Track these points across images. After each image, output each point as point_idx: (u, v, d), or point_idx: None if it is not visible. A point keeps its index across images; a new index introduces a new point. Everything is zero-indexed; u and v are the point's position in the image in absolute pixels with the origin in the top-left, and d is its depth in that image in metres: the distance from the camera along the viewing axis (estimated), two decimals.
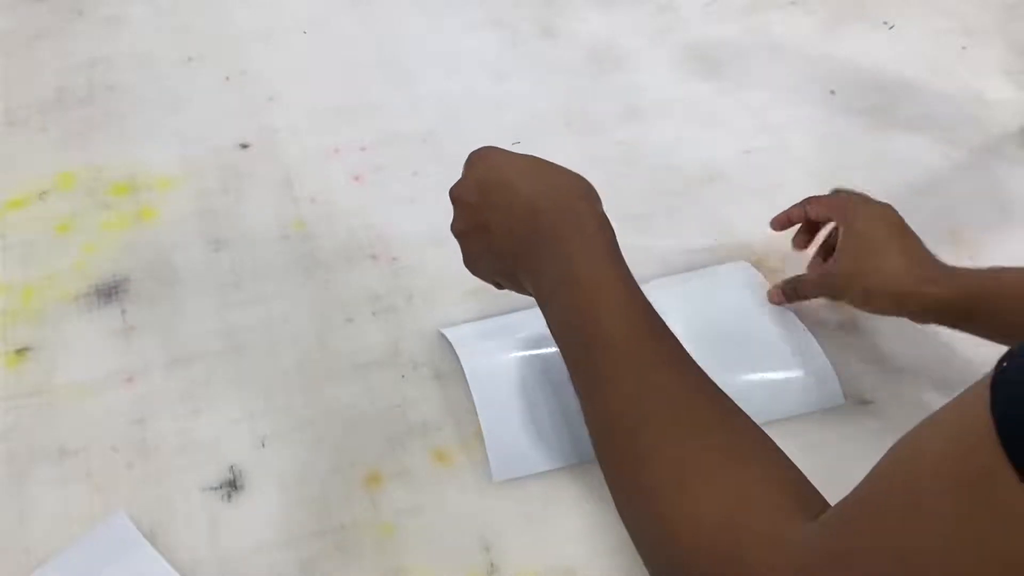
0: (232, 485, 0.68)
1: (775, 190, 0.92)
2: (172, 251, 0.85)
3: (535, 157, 0.59)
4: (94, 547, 0.64)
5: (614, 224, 0.90)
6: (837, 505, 0.40)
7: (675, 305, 0.79)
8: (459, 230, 0.62)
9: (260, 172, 0.92)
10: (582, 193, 0.57)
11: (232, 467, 0.69)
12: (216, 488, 0.68)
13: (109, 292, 0.81)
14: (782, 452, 0.46)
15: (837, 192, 0.77)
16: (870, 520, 0.38)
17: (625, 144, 0.97)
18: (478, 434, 0.71)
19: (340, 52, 1.07)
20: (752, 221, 0.88)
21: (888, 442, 0.39)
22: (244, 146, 0.95)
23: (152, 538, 0.64)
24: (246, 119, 0.98)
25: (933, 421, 0.37)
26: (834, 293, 0.74)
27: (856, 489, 0.39)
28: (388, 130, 0.97)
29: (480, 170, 0.60)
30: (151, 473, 0.69)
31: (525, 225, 0.56)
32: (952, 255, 0.85)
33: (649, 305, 0.52)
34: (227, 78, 1.03)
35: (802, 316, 0.78)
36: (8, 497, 0.67)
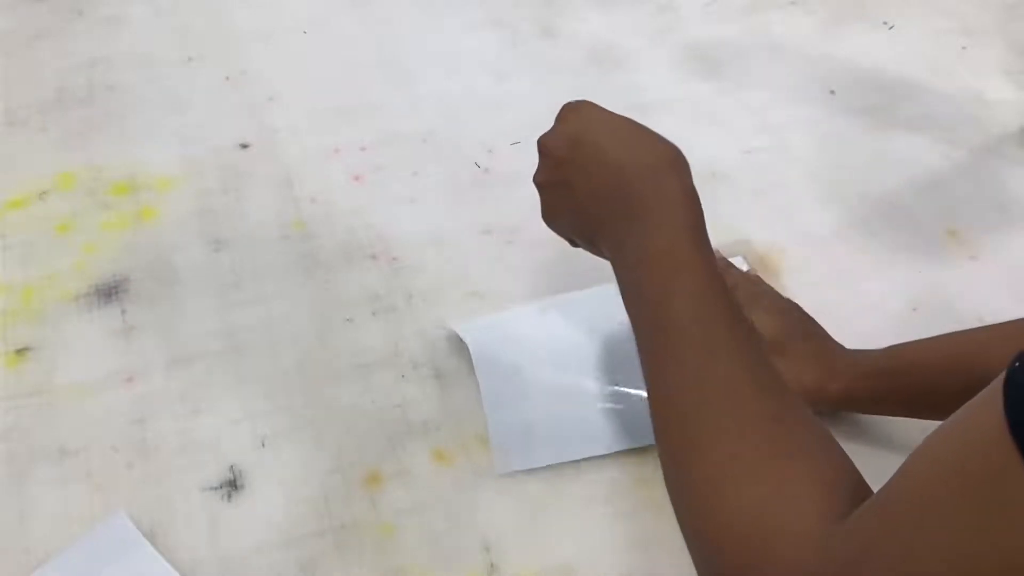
0: (232, 485, 0.68)
1: (775, 190, 0.92)
2: (172, 251, 0.85)
3: (629, 119, 0.57)
4: (94, 547, 0.64)
5: None
6: (862, 507, 0.40)
7: None
8: (541, 181, 0.61)
9: (260, 172, 0.92)
10: (672, 164, 0.55)
11: (232, 467, 0.69)
12: (216, 488, 0.68)
13: (109, 292, 0.81)
14: (837, 447, 0.45)
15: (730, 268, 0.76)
16: (888, 523, 0.38)
17: None
18: (478, 434, 0.71)
19: (340, 52, 1.07)
20: (752, 221, 0.88)
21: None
22: (244, 146, 0.95)
23: (152, 538, 0.64)
24: (246, 119, 0.98)
25: (950, 423, 0.37)
26: None
27: (879, 492, 0.40)
28: (388, 130, 0.97)
29: (572, 125, 0.58)
30: (151, 473, 0.69)
31: (611, 191, 0.54)
32: (952, 255, 0.86)
33: (724, 289, 0.50)
34: (227, 78, 1.03)
35: None
36: (8, 497, 0.67)
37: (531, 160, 0.94)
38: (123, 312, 0.79)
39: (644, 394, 0.70)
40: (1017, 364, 0.34)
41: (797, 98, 1.03)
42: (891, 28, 1.13)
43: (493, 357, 0.74)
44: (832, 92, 1.04)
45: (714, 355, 0.47)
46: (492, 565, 0.65)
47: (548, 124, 0.99)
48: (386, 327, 0.79)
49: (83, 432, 0.71)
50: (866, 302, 0.81)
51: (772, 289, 0.75)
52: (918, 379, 0.64)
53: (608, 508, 0.68)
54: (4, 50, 1.06)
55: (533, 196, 0.90)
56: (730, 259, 0.84)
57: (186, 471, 0.69)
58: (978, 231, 0.88)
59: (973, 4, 1.16)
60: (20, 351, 0.76)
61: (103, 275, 0.82)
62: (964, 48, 1.10)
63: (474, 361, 0.73)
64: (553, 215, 0.62)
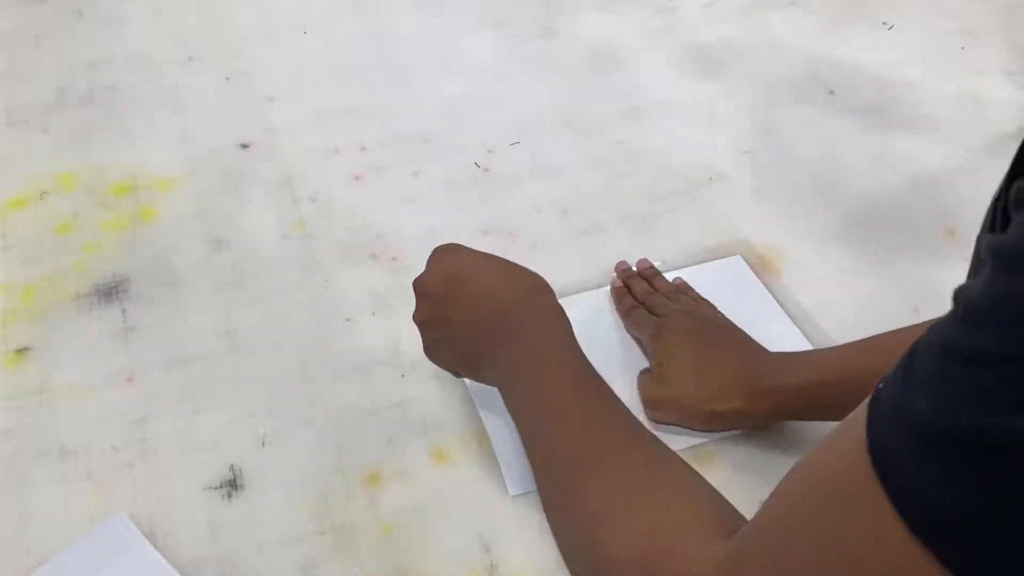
0: (232, 485, 0.68)
1: (775, 190, 0.92)
2: (172, 251, 0.85)
3: (495, 256, 0.64)
4: (94, 547, 0.64)
5: (614, 224, 0.91)
6: (743, 528, 0.42)
7: None
8: (422, 320, 0.65)
9: (260, 172, 0.93)
10: (539, 288, 0.62)
11: (232, 467, 0.69)
12: (216, 488, 0.68)
13: (109, 292, 0.81)
14: (705, 483, 0.49)
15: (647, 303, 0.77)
16: (765, 539, 0.40)
17: (625, 144, 0.97)
18: (478, 434, 0.71)
19: (340, 52, 1.07)
20: (752, 221, 0.88)
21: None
22: (244, 146, 0.95)
23: (152, 538, 0.64)
24: (246, 119, 0.98)
25: (826, 440, 0.38)
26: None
27: (760, 509, 0.41)
28: (388, 130, 0.98)
29: (445, 265, 0.64)
30: (151, 473, 0.69)
31: (489, 318, 0.60)
32: (952, 255, 0.86)
33: (594, 374, 0.57)
34: (227, 78, 1.03)
35: (787, 309, 0.80)
36: (8, 497, 0.67)
37: (531, 160, 0.95)
38: (123, 312, 0.79)
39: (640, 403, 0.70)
40: (880, 386, 0.35)
41: (797, 98, 1.03)
42: (891, 28, 1.13)
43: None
44: (832, 92, 1.04)
45: (587, 423, 0.53)
46: (492, 565, 0.65)
47: (548, 124, 0.99)
48: (386, 327, 0.79)
49: (83, 432, 0.71)
50: (866, 302, 0.81)
51: (689, 318, 0.74)
52: (850, 387, 0.63)
53: None
54: (4, 50, 1.07)
55: (532, 196, 0.91)
56: (724, 259, 0.84)
57: (186, 471, 0.69)
58: (978, 231, 0.88)
59: (973, 4, 1.16)
60: (20, 351, 0.77)
61: (103, 275, 0.82)
62: (964, 48, 1.10)
63: (469, 387, 0.73)
64: (436, 350, 0.66)
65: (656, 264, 0.84)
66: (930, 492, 0.31)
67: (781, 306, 0.80)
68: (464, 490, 0.68)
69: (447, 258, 0.64)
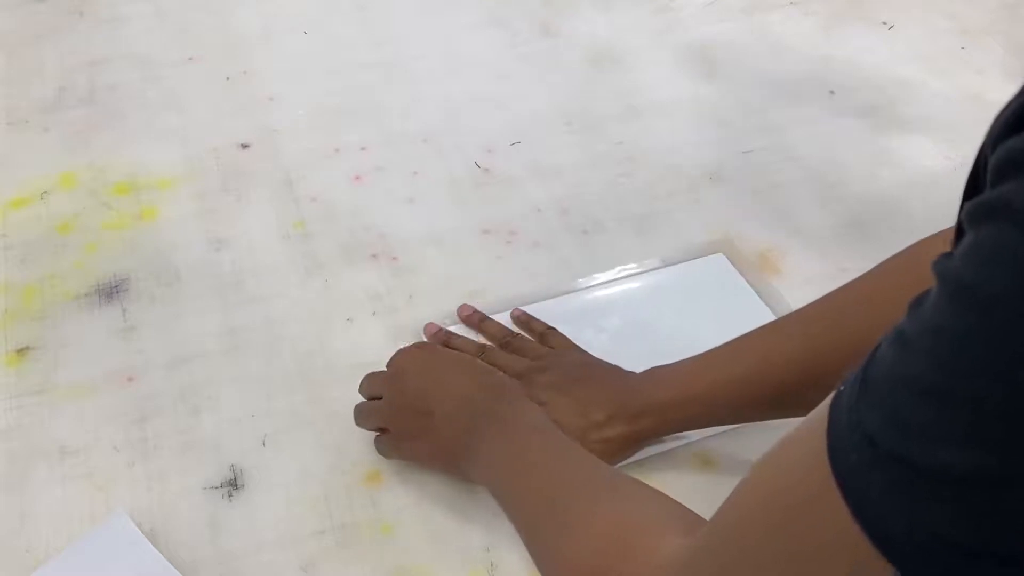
0: (233, 484, 0.68)
1: (775, 190, 0.92)
2: (172, 251, 0.85)
3: (468, 357, 0.68)
4: (95, 547, 0.64)
5: (614, 224, 0.91)
6: (708, 522, 0.43)
7: (652, 298, 0.81)
8: (394, 409, 0.66)
9: (260, 172, 0.93)
10: (509, 382, 0.65)
11: (233, 466, 0.69)
12: (217, 487, 0.68)
13: (110, 292, 0.81)
14: (662, 494, 0.51)
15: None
16: (725, 537, 0.41)
17: (625, 144, 0.97)
18: None
19: (340, 52, 1.07)
20: (752, 221, 0.88)
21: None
22: (244, 146, 0.95)
23: (152, 538, 0.64)
24: (246, 119, 0.98)
25: (784, 441, 0.38)
26: None
27: (721, 506, 0.42)
28: (388, 130, 0.98)
29: (416, 359, 0.67)
30: (151, 473, 0.69)
31: (466, 411, 0.62)
32: None
33: (562, 436, 0.59)
34: (227, 78, 1.03)
35: (772, 307, 0.80)
36: (8, 497, 0.68)
37: (531, 160, 0.95)
38: (123, 312, 0.80)
39: None
40: (841, 388, 0.35)
41: (797, 98, 1.03)
42: (891, 28, 1.13)
43: None
44: (832, 92, 1.04)
45: (556, 473, 0.56)
46: (492, 565, 0.65)
47: (548, 124, 0.99)
48: (386, 327, 0.79)
49: (83, 432, 0.71)
50: None
51: (541, 372, 0.72)
52: (720, 394, 0.65)
53: None
54: (5, 50, 1.07)
55: (532, 196, 0.91)
56: (707, 257, 0.84)
57: (187, 471, 0.69)
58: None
59: (973, 4, 1.16)
60: (21, 351, 0.77)
61: (104, 275, 0.82)
62: (963, 48, 1.10)
63: None
64: (406, 442, 0.67)
65: (656, 264, 0.84)
66: (883, 505, 0.32)
67: (766, 305, 0.79)
68: (464, 489, 0.68)
69: (417, 351, 0.67)
